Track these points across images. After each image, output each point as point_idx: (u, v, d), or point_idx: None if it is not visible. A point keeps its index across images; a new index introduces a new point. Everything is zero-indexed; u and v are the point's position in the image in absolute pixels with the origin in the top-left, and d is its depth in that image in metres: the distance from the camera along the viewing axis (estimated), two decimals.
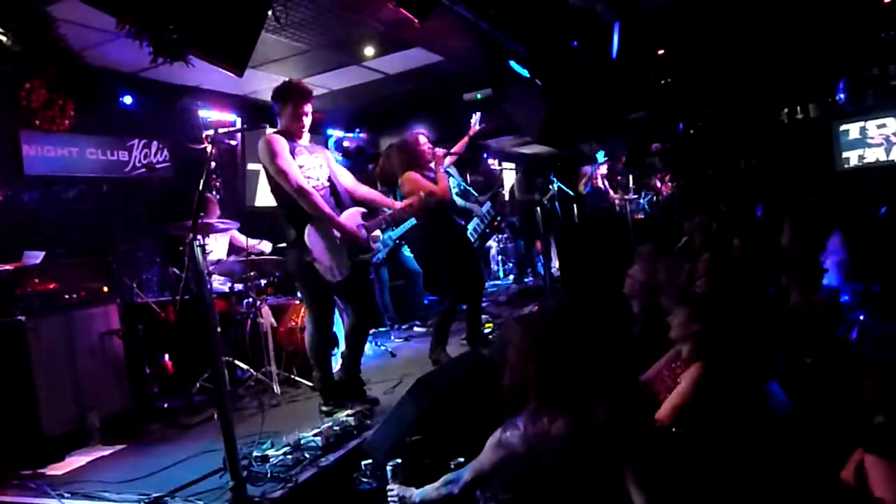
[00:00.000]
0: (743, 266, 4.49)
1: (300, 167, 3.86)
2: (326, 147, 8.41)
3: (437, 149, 5.11)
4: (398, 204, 4.49)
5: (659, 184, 12.10)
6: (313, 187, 3.87)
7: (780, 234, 5.04)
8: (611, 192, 10.03)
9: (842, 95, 10.93)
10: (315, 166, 4.01)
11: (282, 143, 3.83)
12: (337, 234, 3.87)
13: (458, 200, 6.14)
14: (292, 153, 3.86)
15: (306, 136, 4.07)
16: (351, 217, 4.03)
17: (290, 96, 3.97)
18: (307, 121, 4.01)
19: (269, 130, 4.20)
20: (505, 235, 10.41)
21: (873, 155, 12.17)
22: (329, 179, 4.07)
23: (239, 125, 6.96)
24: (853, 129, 12.29)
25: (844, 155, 12.41)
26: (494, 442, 2.16)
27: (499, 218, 7.28)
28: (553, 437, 1.94)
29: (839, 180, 12.03)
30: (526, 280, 9.35)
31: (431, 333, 5.27)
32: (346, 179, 4.24)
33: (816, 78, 10.80)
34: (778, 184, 11.77)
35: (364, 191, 4.32)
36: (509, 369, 2.17)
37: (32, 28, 3.63)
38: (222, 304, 5.11)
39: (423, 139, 5.10)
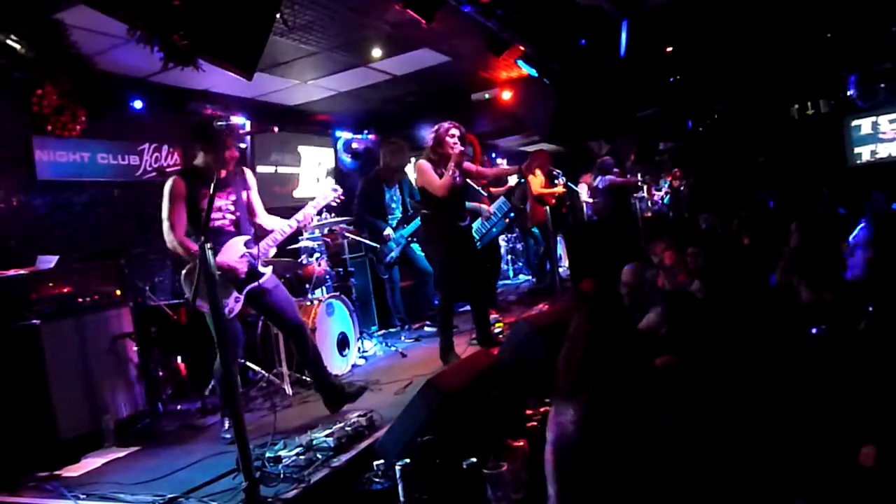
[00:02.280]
0: (747, 260, 4.48)
1: (201, 210, 3.63)
2: (335, 146, 8.49)
3: (458, 146, 5.04)
4: (286, 223, 4.13)
5: (676, 182, 12.06)
6: (219, 227, 3.82)
7: (788, 232, 5.00)
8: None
9: (853, 90, 10.83)
10: (226, 203, 3.89)
11: (177, 188, 3.74)
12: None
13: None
14: (193, 197, 3.74)
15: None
16: (230, 249, 3.85)
17: (205, 137, 3.82)
18: (224, 159, 3.76)
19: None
20: (514, 234, 10.36)
21: (886, 150, 12.08)
22: (236, 211, 3.93)
23: (248, 128, 7.00)
24: (865, 125, 12.20)
25: (856, 150, 12.32)
26: (551, 431, 2.13)
27: (511, 215, 7.20)
28: (606, 427, 1.96)
29: (851, 176, 11.95)
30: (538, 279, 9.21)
31: (438, 334, 5.29)
32: (255, 201, 4.10)
33: (827, 73, 10.71)
34: (789, 179, 11.70)
35: (264, 220, 4.14)
36: (567, 357, 2.14)
37: (45, 35, 3.67)
38: None
39: (454, 132, 5.02)
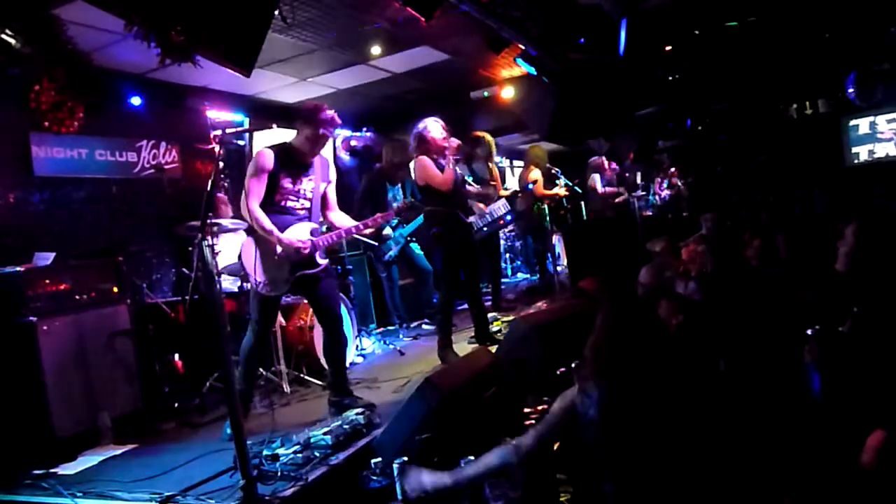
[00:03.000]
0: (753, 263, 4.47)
1: (282, 188, 3.93)
2: (333, 144, 8.46)
3: (452, 138, 5.12)
4: (362, 222, 4.37)
5: (678, 181, 12.05)
6: (290, 206, 3.99)
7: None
8: (607, 190, 9.87)
9: (851, 90, 10.82)
10: (305, 188, 4.06)
11: (265, 160, 3.88)
12: (278, 249, 3.89)
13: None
14: (278, 174, 3.91)
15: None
16: (296, 230, 4.00)
17: (310, 121, 4.00)
18: (319, 147, 4.06)
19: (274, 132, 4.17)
20: (512, 232, 10.36)
21: (883, 150, 12.07)
22: (312, 199, 4.11)
23: (247, 125, 6.99)
24: (863, 124, 12.19)
25: (854, 150, 12.31)
26: (565, 404, 2.29)
27: (509, 219, 7.22)
28: (627, 410, 2.07)
29: (849, 176, 11.95)
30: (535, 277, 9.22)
31: (437, 332, 5.28)
32: (330, 195, 4.28)
33: (825, 73, 10.70)
34: (787, 179, 11.70)
35: (334, 216, 4.31)
36: (592, 346, 2.23)
37: (42, 31, 3.65)
38: (232, 303, 5.12)
39: (440, 126, 5.15)
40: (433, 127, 5.15)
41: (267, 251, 3.88)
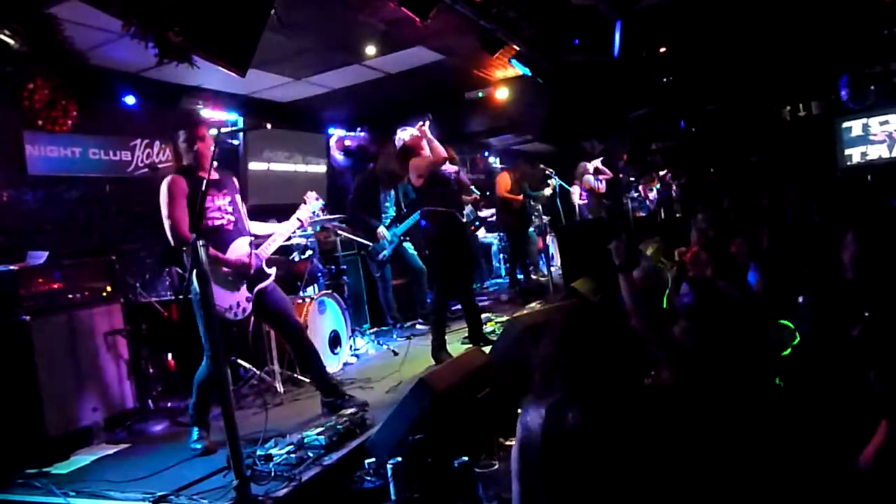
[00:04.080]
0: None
1: (206, 208, 3.69)
2: (327, 144, 8.47)
3: (421, 126, 5.16)
4: (287, 228, 4.23)
5: (671, 182, 12.11)
6: (219, 225, 3.82)
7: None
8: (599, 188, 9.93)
9: (844, 92, 10.90)
10: (224, 203, 3.89)
11: (179, 184, 3.73)
12: (225, 269, 3.76)
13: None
14: (194, 194, 3.67)
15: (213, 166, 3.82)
16: (238, 247, 3.86)
17: (181, 128, 3.87)
18: (207, 149, 3.81)
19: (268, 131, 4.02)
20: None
21: (876, 152, 12.14)
22: (233, 213, 3.94)
23: (241, 125, 6.97)
24: (856, 126, 12.26)
25: (847, 152, 12.38)
26: (518, 430, 2.06)
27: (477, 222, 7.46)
28: (571, 431, 1.89)
29: (842, 177, 12.03)
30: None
31: (430, 332, 5.30)
32: (244, 212, 4.10)
33: (819, 75, 10.78)
34: (780, 181, 11.75)
35: (255, 227, 4.16)
36: (541, 356, 2.11)
37: (39, 30, 3.64)
38: None
39: (412, 132, 5.20)
40: (403, 134, 5.25)
41: (218, 275, 3.66)
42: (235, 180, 4.16)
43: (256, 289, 3.90)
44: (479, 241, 9.99)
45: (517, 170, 8.69)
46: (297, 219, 4.25)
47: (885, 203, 7.57)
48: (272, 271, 4.03)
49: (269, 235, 4.14)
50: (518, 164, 8.91)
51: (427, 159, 5.10)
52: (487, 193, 9.73)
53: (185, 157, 3.91)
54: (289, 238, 5.65)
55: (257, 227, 4.17)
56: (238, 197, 4.06)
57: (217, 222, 3.83)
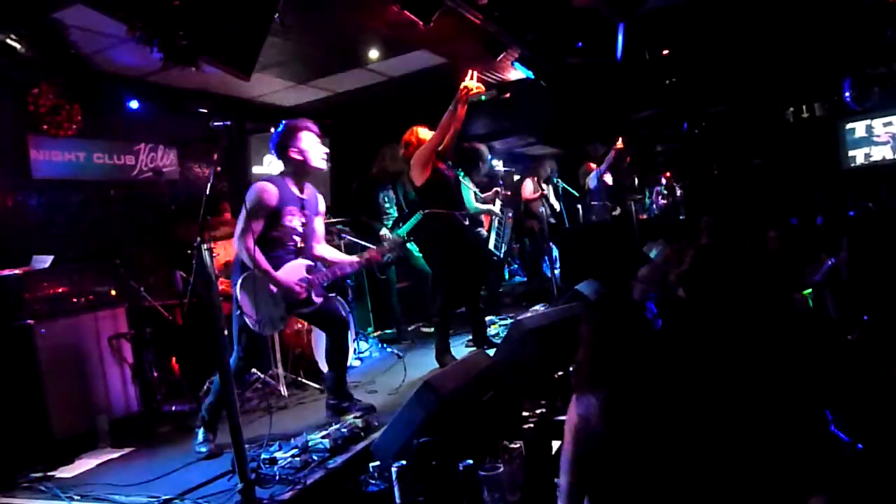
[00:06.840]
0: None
1: (281, 224, 3.73)
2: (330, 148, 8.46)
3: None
4: (353, 260, 4.14)
5: (674, 184, 12.08)
6: (285, 243, 3.81)
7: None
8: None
9: (848, 94, 10.87)
10: (298, 225, 3.85)
11: (269, 198, 3.69)
12: (273, 288, 3.73)
13: (474, 206, 6.12)
14: (279, 210, 3.71)
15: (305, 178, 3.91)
16: (293, 270, 3.83)
17: (281, 137, 3.82)
18: (299, 157, 3.82)
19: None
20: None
21: (880, 153, 12.11)
22: (302, 234, 3.91)
23: (245, 129, 6.98)
24: (859, 128, 12.23)
25: (850, 153, 12.35)
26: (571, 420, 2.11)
27: (511, 214, 7.30)
28: (632, 421, 1.97)
29: (846, 179, 12.00)
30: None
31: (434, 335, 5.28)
32: (319, 228, 4.07)
33: (822, 76, 10.76)
34: (784, 183, 11.74)
35: (322, 249, 4.11)
36: (581, 355, 2.16)
37: (44, 35, 3.66)
38: (229, 306, 5.12)
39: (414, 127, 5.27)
40: (412, 131, 5.26)
41: (262, 288, 3.68)
42: (320, 198, 4.07)
43: (294, 311, 3.88)
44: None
45: (536, 173, 8.67)
46: (360, 259, 4.15)
47: (888, 204, 7.56)
48: (318, 300, 3.93)
49: (334, 263, 4.05)
50: (534, 167, 8.90)
51: (425, 150, 5.00)
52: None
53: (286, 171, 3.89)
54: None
55: (324, 250, 4.09)
56: (316, 217, 4.00)
57: (284, 239, 3.81)
